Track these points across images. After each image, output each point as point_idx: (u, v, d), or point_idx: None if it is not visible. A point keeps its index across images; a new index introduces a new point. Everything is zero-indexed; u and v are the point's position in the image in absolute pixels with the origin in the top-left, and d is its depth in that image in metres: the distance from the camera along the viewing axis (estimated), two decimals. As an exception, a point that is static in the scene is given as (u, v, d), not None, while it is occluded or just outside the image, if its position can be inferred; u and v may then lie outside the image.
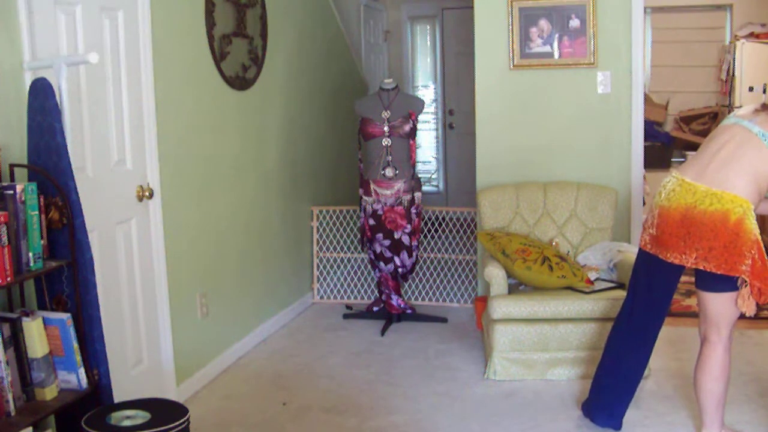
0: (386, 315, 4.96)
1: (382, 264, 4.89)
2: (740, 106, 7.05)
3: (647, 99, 7.31)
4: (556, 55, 4.76)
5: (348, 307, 5.33)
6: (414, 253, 4.89)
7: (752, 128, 2.87)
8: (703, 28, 8.03)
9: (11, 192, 2.43)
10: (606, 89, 4.74)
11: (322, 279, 5.56)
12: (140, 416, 2.58)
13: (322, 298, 5.52)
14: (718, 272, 2.82)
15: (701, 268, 2.86)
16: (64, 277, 2.66)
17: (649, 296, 3.15)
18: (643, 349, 3.24)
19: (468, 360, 4.25)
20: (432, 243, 5.62)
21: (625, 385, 3.27)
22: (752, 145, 2.86)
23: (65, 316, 2.58)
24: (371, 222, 4.83)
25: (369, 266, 5.26)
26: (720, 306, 2.95)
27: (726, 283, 2.87)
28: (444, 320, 4.96)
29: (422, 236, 5.31)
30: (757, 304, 2.83)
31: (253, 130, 4.60)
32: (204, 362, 4.01)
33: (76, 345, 2.60)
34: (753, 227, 2.77)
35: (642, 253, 3.13)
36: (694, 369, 3.11)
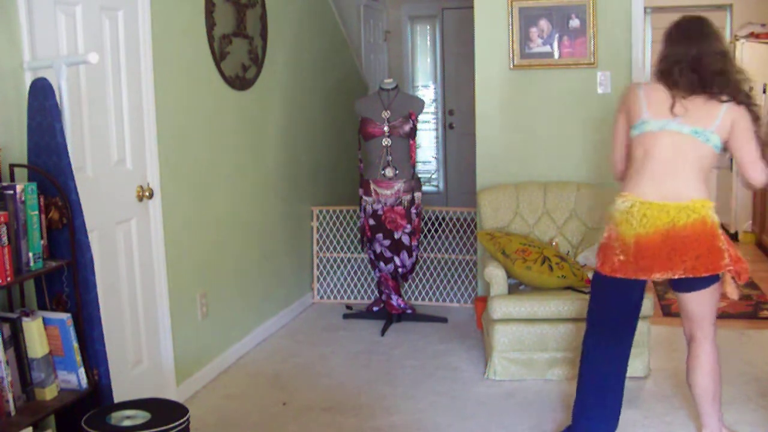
0: (386, 315, 4.96)
1: (382, 264, 4.89)
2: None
3: (647, 99, 7.29)
4: (556, 55, 4.76)
5: (348, 307, 5.33)
6: (414, 253, 4.89)
7: (682, 130, 2.87)
8: (703, 28, 8.02)
9: (11, 192, 2.43)
10: (606, 89, 4.74)
11: (322, 279, 5.56)
12: (140, 416, 2.58)
13: (322, 298, 5.52)
14: (707, 275, 2.87)
15: (689, 276, 2.88)
16: (64, 277, 2.66)
17: (620, 317, 3.11)
18: (624, 362, 3.16)
19: (468, 360, 4.25)
20: (432, 243, 5.62)
21: (612, 400, 3.16)
22: (690, 147, 2.88)
23: (65, 316, 2.58)
24: (371, 222, 4.83)
25: (369, 266, 5.26)
26: (705, 302, 3.00)
27: (710, 279, 2.93)
28: (444, 320, 4.96)
29: (422, 236, 5.31)
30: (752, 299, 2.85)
31: (253, 130, 4.60)
32: (204, 362, 4.01)
33: (76, 345, 2.60)
34: (718, 221, 2.88)
35: (606, 280, 3.03)
36: (686, 371, 3.13)
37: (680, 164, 2.89)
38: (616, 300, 3.09)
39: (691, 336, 3.09)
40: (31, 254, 2.50)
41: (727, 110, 2.86)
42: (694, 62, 2.89)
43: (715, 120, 2.86)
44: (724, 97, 2.86)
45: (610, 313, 3.11)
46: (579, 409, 3.16)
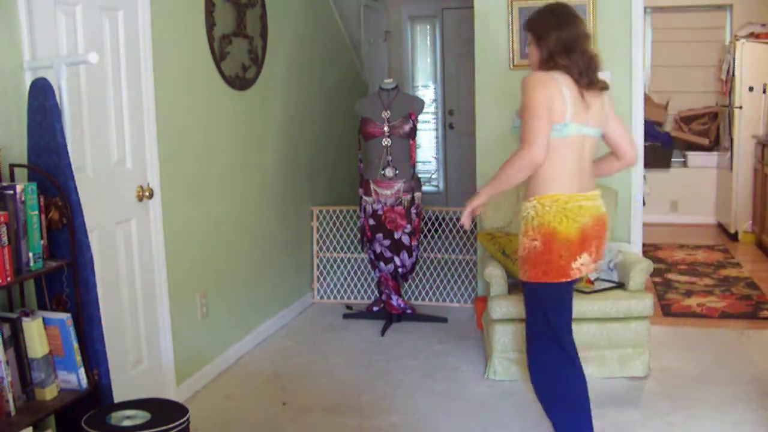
0: (386, 315, 4.96)
1: (382, 264, 4.89)
2: (740, 107, 7.02)
3: (647, 99, 7.30)
4: (556, 55, 4.75)
5: (348, 307, 5.34)
6: (414, 253, 4.89)
7: (593, 134, 2.90)
8: (703, 28, 8.02)
9: (11, 192, 2.43)
10: (606, 89, 4.73)
11: (322, 279, 5.56)
12: (140, 416, 2.58)
13: (322, 298, 5.52)
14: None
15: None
16: (64, 277, 2.66)
17: (569, 319, 3.01)
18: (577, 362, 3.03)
19: (468, 360, 4.25)
20: (432, 243, 5.62)
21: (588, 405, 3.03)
22: (594, 146, 2.95)
23: (65, 316, 2.58)
24: (371, 222, 4.83)
25: (369, 266, 5.26)
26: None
27: None
28: (444, 320, 4.96)
29: (422, 236, 5.31)
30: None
31: (253, 130, 4.60)
32: (204, 362, 4.01)
33: (76, 345, 2.60)
34: None
35: (551, 288, 2.90)
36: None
37: (588, 161, 2.94)
38: (564, 304, 2.99)
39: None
40: (31, 254, 2.50)
41: (605, 100, 2.95)
42: (574, 47, 2.84)
43: (605, 116, 2.93)
44: (600, 85, 2.90)
45: (562, 319, 2.97)
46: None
